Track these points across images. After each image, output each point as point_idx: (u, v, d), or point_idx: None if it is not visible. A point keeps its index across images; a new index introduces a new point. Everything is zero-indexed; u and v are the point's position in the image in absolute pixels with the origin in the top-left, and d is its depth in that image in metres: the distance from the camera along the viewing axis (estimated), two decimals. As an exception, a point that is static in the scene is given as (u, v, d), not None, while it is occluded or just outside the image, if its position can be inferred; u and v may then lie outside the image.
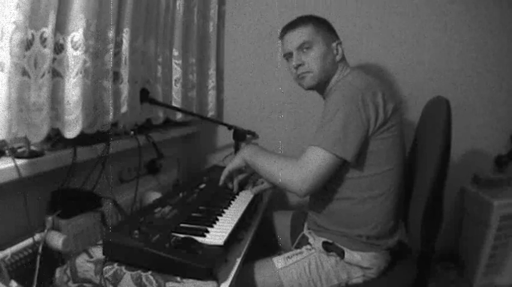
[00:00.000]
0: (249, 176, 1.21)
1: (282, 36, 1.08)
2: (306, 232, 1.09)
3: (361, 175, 0.91)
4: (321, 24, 1.03)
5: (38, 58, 0.73)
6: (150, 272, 0.68)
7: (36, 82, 0.73)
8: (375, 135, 0.89)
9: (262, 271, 0.95)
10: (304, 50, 1.01)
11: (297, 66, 1.03)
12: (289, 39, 1.03)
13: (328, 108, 0.90)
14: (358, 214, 0.93)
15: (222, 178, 1.11)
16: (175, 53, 1.41)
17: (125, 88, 1.03)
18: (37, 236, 0.75)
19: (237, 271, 0.75)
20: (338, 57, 1.03)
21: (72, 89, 0.82)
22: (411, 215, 0.98)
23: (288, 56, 1.07)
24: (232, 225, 0.85)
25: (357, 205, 0.93)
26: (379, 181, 0.92)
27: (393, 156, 0.93)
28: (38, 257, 0.73)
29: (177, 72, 1.43)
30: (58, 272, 0.74)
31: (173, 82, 1.43)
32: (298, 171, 0.87)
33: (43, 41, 0.73)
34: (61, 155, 0.87)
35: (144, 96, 1.16)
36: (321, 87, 1.06)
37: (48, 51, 0.74)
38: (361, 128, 0.86)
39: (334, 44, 1.03)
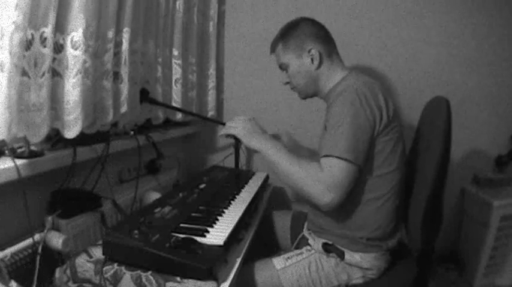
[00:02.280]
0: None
1: None
2: (305, 232, 1.09)
3: (364, 177, 0.91)
4: (289, 39, 1.02)
5: (37, 58, 0.73)
6: (150, 272, 0.68)
7: (36, 82, 0.73)
8: (379, 137, 0.88)
9: (262, 271, 0.95)
10: (283, 70, 1.07)
11: (286, 84, 1.10)
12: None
13: (334, 114, 0.88)
14: (360, 216, 0.93)
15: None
16: (175, 52, 1.41)
17: (124, 88, 1.03)
18: (37, 236, 0.75)
19: (237, 271, 0.75)
20: (315, 65, 1.00)
21: (72, 89, 0.82)
22: (411, 215, 0.98)
23: None
24: (232, 225, 0.85)
25: (359, 207, 0.93)
26: (381, 183, 0.92)
27: (395, 158, 0.92)
28: (38, 257, 0.73)
29: (177, 72, 1.42)
30: (58, 272, 0.74)
31: (173, 82, 1.42)
32: (325, 191, 0.82)
33: (43, 41, 0.73)
34: (61, 155, 0.86)
35: (144, 96, 1.16)
36: (315, 95, 1.08)
37: (48, 51, 0.74)
38: (368, 130, 0.86)
39: (305, 55, 1.00)
